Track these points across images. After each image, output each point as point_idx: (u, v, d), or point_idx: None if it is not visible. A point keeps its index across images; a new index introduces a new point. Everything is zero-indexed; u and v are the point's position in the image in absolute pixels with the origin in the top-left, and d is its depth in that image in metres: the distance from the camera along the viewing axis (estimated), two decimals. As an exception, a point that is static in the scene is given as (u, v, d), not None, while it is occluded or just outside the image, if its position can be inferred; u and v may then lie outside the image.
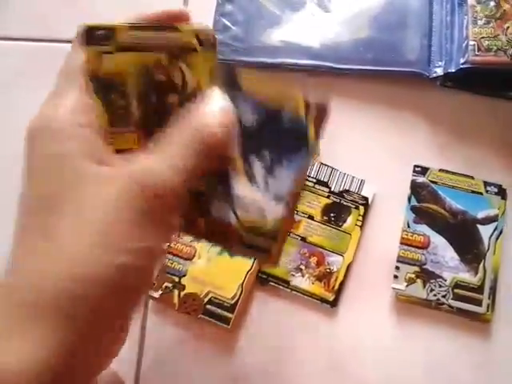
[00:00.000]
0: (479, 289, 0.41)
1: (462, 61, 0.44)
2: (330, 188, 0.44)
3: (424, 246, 0.42)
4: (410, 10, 0.48)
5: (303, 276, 0.42)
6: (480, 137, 0.46)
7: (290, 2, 0.50)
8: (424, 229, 0.42)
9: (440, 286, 0.41)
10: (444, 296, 0.40)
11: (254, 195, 0.28)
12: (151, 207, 0.21)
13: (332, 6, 0.49)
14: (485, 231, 0.42)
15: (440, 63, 0.46)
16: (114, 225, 0.20)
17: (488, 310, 0.40)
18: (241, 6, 0.50)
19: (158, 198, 0.21)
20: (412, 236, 0.42)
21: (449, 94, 0.47)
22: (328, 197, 0.44)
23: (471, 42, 0.44)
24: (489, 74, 0.45)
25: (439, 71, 0.46)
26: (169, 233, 0.25)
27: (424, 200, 0.43)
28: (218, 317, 0.41)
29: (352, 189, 0.44)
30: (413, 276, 0.41)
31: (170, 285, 0.42)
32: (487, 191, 0.43)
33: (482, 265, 0.41)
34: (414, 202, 0.43)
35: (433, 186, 0.43)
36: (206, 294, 0.42)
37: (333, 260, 0.42)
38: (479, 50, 0.44)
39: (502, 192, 0.43)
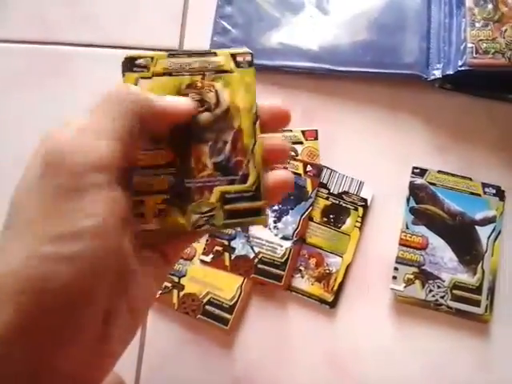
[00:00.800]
0: (477, 290, 0.41)
1: (460, 63, 0.44)
2: (329, 190, 0.44)
3: (422, 247, 0.42)
4: (409, 12, 0.48)
5: (302, 277, 0.42)
6: (478, 139, 0.46)
7: (289, 4, 0.50)
8: (422, 230, 0.43)
9: (438, 287, 0.41)
10: (442, 297, 0.41)
11: (268, 236, 0.43)
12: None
13: (331, 9, 0.49)
14: (483, 232, 0.42)
15: (438, 66, 0.46)
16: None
17: (486, 311, 0.40)
18: (240, 9, 0.50)
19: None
20: (411, 237, 0.42)
21: (447, 96, 0.47)
22: (327, 198, 0.44)
23: (469, 45, 0.44)
24: (487, 77, 0.45)
25: (437, 73, 0.46)
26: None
27: (423, 201, 0.43)
28: (216, 318, 0.41)
29: (351, 190, 0.44)
30: (411, 277, 0.41)
31: (169, 285, 0.42)
32: (485, 193, 0.43)
33: (480, 266, 0.41)
34: (412, 204, 0.43)
35: (431, 187, 0.44)
36: (205, 295, 0.42)
37: (332, 261, 0.43)
38: (477, 52, 0.44)
39: (500, 193, 0.43)
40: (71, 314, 0.21)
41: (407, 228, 0.43)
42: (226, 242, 0.43)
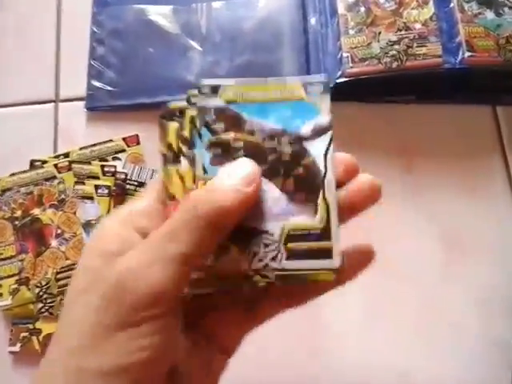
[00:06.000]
0: (326, 235, 0.23)
1: (338, 74, 0.42)
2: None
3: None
4: (284, 27, 0.45)
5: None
6: (374, 145, 0.43)
7: (162, 36, 0.47)
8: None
9: (266, 246, 0.23)
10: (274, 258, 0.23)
11: None
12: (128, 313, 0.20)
13: (207, 36, 0.47)
14: (317, 151, 0.24)
15: (319, 79, 0.43)
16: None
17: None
18: (112, 48, 0.48)
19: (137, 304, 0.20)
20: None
21: (337, 107, 0.44)
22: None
23: (345, 54, 0.41)
24: (370, 84, 0.42)
25: (319, 88, 0.43)
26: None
27: (220, 131, 0.24)
28: None
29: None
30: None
31: (26, 334, 0.41)
32: (308, 93, 0.24)
33: (321, 197, 0.23)
34: (206, 136, 0.24)
35: (231, 107, 0.24)
36: None
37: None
38: (353, 61, 0.41)
39: (327, 86, 0.24)
40: None
41: (206, 172, 0.23)
42: (30, 326, 0.41)
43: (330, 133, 0.24)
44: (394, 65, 0.40)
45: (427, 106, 0.44)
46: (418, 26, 0.41)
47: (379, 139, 0.44)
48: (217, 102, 0.24)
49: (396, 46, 0.40)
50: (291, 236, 0.22)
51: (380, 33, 0.41)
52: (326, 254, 0.22)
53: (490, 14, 0.41)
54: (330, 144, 0.24)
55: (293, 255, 0.22)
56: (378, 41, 0.41)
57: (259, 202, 0.23)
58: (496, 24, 0.40)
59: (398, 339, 0.39)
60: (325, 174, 0.23)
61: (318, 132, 0.23)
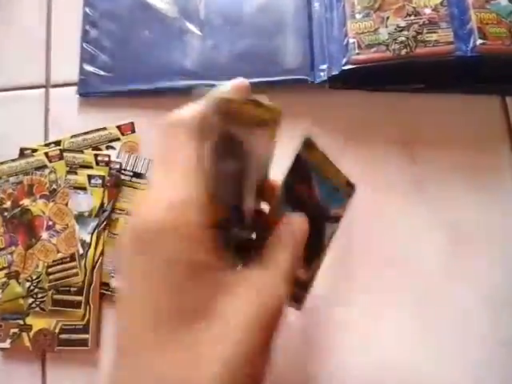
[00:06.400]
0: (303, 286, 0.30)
1: (343, 62, 0.40)
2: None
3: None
4: (287, 12, 0.43)
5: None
6: (377, 135, 0.42)
7: (159, 20, 0.45)
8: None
9: None
10: None
11: None
12: (270, 327, 0.22)
13: (205, 21, 0.45)
14: (329, 229, 0.31)
15: (323, 66, 0.41)
16: (248, 344, 0.21)
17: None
18: (106, 31, 0.45)
19: (277, 318, 0.22)
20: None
21: (341, 95, 0.42)
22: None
23: (351, 40, 0.39)
24: (376, 71, 0.40)
25: (323, 75, 0.41)
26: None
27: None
28: (74, 342, 0.39)
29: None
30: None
31: (16, 330, 0.40)
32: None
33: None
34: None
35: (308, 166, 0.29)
36: (56, 325, 0.39)
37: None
38: (360, 47, 0.39)
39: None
40: None
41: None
42: (20, 322, 0.40)
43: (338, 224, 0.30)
44: (403, 52, 0.38)
45: (434, 96, 0.42)
46: (427, 11, 0.39)
47: (385, 128, 0.42)
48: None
49: (405, 32, 0.38)
50: None
51: (388, 18, 0.39)
52: None
53: (503, 0, 0.39)
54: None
55: None
56: (386, 26, 0.39)
57: None
58: (509, 10, 0.39)
59: (402, 338, 0.37)
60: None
61: (336, 219, 0.29)
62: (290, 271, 0.24)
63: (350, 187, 0.30)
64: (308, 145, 0.26)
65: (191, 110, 0.23)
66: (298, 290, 0.29)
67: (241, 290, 0.22)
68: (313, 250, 0.28)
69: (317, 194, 0.28)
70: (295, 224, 0.26)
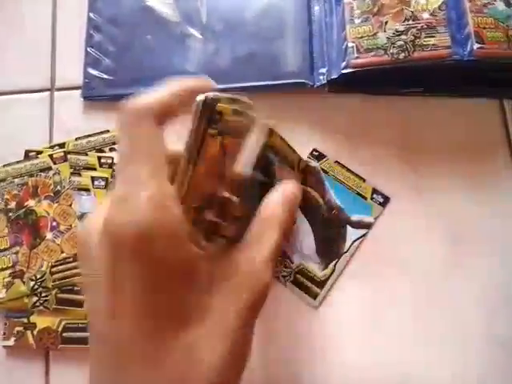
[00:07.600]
0: (321, 284, 0.39)
1: (342, 65, 0.40)
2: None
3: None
4: (287, 16, 0.44)
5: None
6: (375, 139, 0.42)
7: (162, 25, 0.46)
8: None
9: (285, 267, 0.40)
10: (285, 276, 0.39)
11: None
12: (257, 310, 0.22)
13: (207, 25, 0.45)
14: (352, 234, 0.40)
15: (323, 70, 0.42)
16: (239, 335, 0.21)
17: (320, 305, 0.39)
18: (110, 35, 0.46)
19: (263, 302, 0.22)
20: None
21: (340, 98, 0.43)
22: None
23: (350, 44, 0.40)
24: (375, 75, 0.41)
25: (323, 79, 0.42)
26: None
27: (307, 183, 0.40)
28: (78, 340, 0.40)
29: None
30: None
31: (21, 328, 0.40)
32: (372, 198, 0.41)
33: (333, 264, 0.39)
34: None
35: (322, 173, 0.41)
36: (59, 324, 0.40)
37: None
38: (358, 51, 0.40)
39: (386, 202, 0.41)
40: None
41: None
42: (25, 320, 0.40)
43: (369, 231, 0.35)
44: (401, 56, 0.39)
45: (432, 99, 0.43)
46: (425, 15, 0.40)
47: (384, 132, 0.43)
48: None
49: (403, 37, 0.39)
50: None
51: (387, 22, 0.40)
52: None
53: (500, 5, 0.39)
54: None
55: None
56: (385, 30, 0.40)
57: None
58: (506, 15, 0.39)
59: (400, 338, 0.38)
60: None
61: (362, 225, 0.34)
62: (275, 252, 0.23)
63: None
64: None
65: (151, 97, 0.22)
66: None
67: (228, 284, 0.21)
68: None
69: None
70: (286, 190, 0.25)
